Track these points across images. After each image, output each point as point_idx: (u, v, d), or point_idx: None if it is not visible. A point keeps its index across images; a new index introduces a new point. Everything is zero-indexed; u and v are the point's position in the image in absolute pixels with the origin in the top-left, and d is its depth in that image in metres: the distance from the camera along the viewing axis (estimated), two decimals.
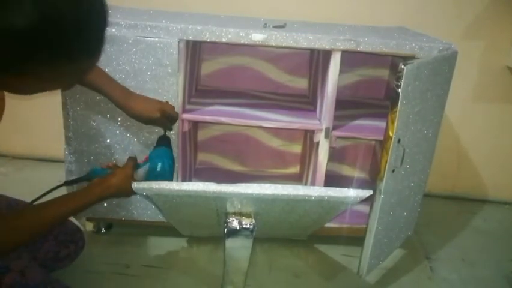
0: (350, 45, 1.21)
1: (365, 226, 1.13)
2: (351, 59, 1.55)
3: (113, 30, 1.17)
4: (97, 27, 0.67)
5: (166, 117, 1.16)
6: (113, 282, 1.26)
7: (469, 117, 1.76)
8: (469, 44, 1.64)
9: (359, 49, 1.21)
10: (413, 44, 1.21)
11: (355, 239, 1.32)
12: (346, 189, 1.04)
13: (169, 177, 1.11)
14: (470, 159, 1.83)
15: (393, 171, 1.08)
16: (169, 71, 1.22)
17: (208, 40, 1.20)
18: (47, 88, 0.71)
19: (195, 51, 1.43)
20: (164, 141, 1.18)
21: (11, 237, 0.83)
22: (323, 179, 1.37)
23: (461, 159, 1.83)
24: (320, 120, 1.36)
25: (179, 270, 1.33)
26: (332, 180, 1.40)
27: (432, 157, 1.30)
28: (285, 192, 1.00)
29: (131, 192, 1.03)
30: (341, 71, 1.26)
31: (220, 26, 1.20)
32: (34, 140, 1.91)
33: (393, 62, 1.61)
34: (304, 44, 1.20)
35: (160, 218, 1.33)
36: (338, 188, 1.04)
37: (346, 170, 1.78)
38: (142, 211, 1.37)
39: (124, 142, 1.30)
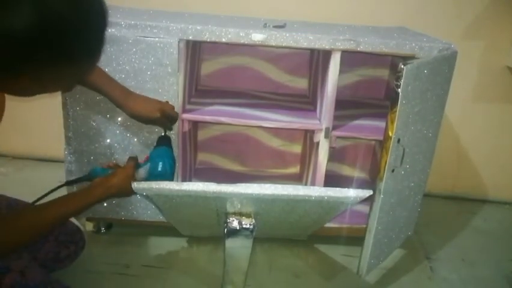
0: (350, 45, 1.21)
1: (364, 226, 1.13)
2: (351, 59, 1.55)
3: (113, 30, 1.17)
4: (96, 28, 0.66)
5: (166, 117, 1.16)
6: (113, 282, 1.26)
7: (469, 117, 1.76)
8: (469, 44, 1.64)
9: (359, 49, 1.21)
10: (413, 44, 1.21)
11: (355, 239, 1.32)
12: (346, 189, 1.04)
13: (170, 177, 1.11)
14: (470, 159, 1.83)
15: (393, 171, 1.08)
16: (169, 70, 1.22)
17: (208, 40, 1.20)
18: (48, 90, 0.70)
19: (194, 51, 1.43)
20: (164, 141, 1.18)
21: (12, 238, 0.83)
22: (323, 179, 1.37)
23: (461, 159, 1.83)
24: (320, 120, 1.36)
25: (179, 270, 1.33)
26: (332, 180, 1.40)
27: (432, 157, 1.30)
28: (285, 192, 1.00)
29: (132, 192, 1.03)
30: (341, 71, 1.26)
31: (220, 26, 1.20)
32: (34, 140, 1.91)
33: (393, 62, 1.61)
34: (304, 44, 1.20)
35: (160, 218, 1.33)
36: (338, 188, 1.04)
37: (346, 170, 1.78)
38: (142, 211, 1.37)
39: (124, 142, 1.30)
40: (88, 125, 1.28)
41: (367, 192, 1.05)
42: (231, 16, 1.51)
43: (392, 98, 1.02)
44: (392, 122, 1.02)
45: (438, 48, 1.21)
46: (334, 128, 1.33)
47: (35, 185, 1.05)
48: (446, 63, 1.17)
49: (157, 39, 1.19)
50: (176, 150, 1.29)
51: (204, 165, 1.77)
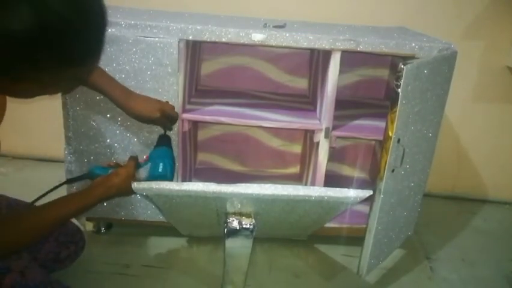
0: (350, 45, 1.21)
1: (364, 226, 1.13)
2: (351, 59, 1.55)
3: (113, 30, 1.17)
4: (96, 29, 0.66)
5: (166, 117, 1.16)
6: (113, 282, 1.26)
7: (469, 117, 1.76)
8: (469, 44, 1.64)
9: (358, 49, 1.21)
10: (413, 44, 1.21)
11: (355, 239, 1.32)
12: (346, 189, 1.04)
13: (170, 177, 1.11)
14: (470, 159, 1.83)
15: (393, 171, 1.08)
16: (169, 70, 1.22)
17: (208, 40, 1.20)
18: (48, 92, 0.70)
19: (194, 51, 1.43)
20: (164, 141, 1.18)
21: (13, 239, 0.83)
22: (323, 179, 1.37)
23: (461, 159, 1.83)
24: (319, 120, 1.36)
25: (179, 270, 1.33)
26: (332, 180, 1.40)
27: (432, 157, 1.30)
28: (285, 193, 1.00)
29: (132, 192, 1.03)
30: (341, 71, 1.26)
31: (220, 26, 1.20)
32: (34, 140, 1.91)
33: (393, 62, 1.61)
34: (304, 44, 1.20)
35: (160, 218, 1.33)
36: (338, 188, 1.04)
37: (346, 170, 1.78)
38: (142, 211, 1.37)
39: (124, 142, 1.30)
40: (88, 125, 1.27)
41: (367, 192, 1.05)
42: (231, 16, 1.51)
43: (392, 98, 1.02)
44: (392, 122, 1.02)
45: (438, 48, 1.21)
46: (334, 128, 1.33)
47: (35, 185, 1.04)
48: (446, 63, 1.17)
49: (157, 39, 1.19)
50: (176, 150, 1.29)
51: (204, 165, 1.77)
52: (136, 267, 1.32)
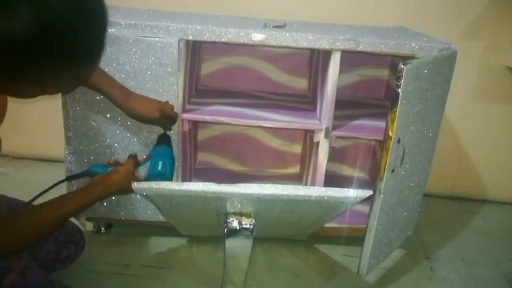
0: (349, 45, 1.21)
1: (365, 226, 1.13)
2: (351, 59, 1.55)
3: (113, 30, 1.17)
4: (97, 29, 0.66)
5: (166, 118, 1.16)
6: (113, 282, 1.26)
7: (469, 117, 1.76)
8: (469, 44, 1.64)
9: (358, 49, 1.21)
10: (413, 44, 1.21)
11: (355, 239, 1.32)
12: (346, 189, 1.04)
13: (170, 176, 1.11)
14: (470, 159, 1.83)
15: (393, 171, 1.08)
16: (169, 70, 1.22)
17: (208, 40, 1.20)
18: (48, 92, 0.70)
19: (194, 51, 1.43)
20: (164, 140, 1.18)
21: (12, 239, 0.83)
22: (323, 179, 1.37)
23: (461, 159, 1.83)
24: (319, 120, 1.36)
25: (179, 270, 1.33)
26: (332, 180, 1.40)
27: (432, 157, 1.30)
28: (285, 193, 1.00)
29: (132, 190, 1.03)
30: (341, 71, 1.26)
31: (220, 26, 1.20)
32: (34, 140, 1.91)
33: (393, 62, 1.61)
34: (304, 44, 1.20)
35: (160, 218, 1.33)
36: (337, 188, 1.04)
37: (346, 170, 1.78)
38: (142, 211, 1.37)
39: (124, 142, 1.30)
40: (88, 125, 1.28)
41: (367, 192, 1.05)
42: (231, 16, 1.51)
43: (392, 98, 1.02)
44: (392, 122, 1.02)
45: (438, 48, 1.21)
46: (334, 128, 1.33)
47: (35, 185, 1.04)
48: (446, 63, 1.17)
49: (157, 39, 1.19)
50: (176, 150, 1.29)
51: (204, 165, 1.77)
52: (136, 267, 1.32)
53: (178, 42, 1.20)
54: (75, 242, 1.18)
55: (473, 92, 1.72)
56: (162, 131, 1.20)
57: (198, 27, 1.18)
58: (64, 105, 1.26)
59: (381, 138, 1.16)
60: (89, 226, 1.44)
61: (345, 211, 1.33)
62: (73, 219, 1.18)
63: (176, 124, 1.25)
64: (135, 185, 1.01)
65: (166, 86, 1.24)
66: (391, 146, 1.03)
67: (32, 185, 1.10)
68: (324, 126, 1.31)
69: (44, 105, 1.76)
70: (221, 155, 1.76)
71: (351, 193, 1.03)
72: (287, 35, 1.19)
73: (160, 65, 1.21)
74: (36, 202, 0.96)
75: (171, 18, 1.29)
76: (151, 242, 1.44)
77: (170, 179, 1.11)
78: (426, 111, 1.14)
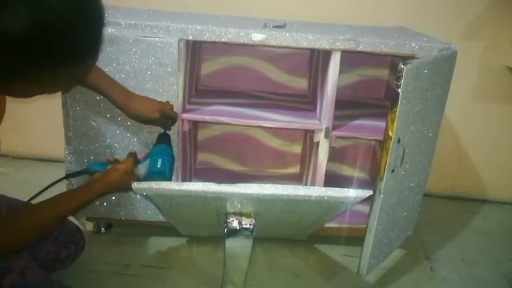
0: (349, 45, 1.21)
1: (365, 226, 1.13)
2: (351, 59, 1.55)
3: (113, 30, 1.17)
4: (95, 28, 0.66)
5: (166, 118, 1.16)
6: (113, 282, 1.26)
7: (469, 117, 1.76)
8: (469, 44, 1.64)
9: (358, 49, 1.21)
10: (413, 44, 1.21)
11: (355, 239, 1.32)
12: (346, 189, 1.04)
13: (169, 174, 1.11)
14: (470, 159, 1.83)
15: (393, 171, 1.08)
16: (169, 70, 1.22)
17: (208, 40, 1.20)
18: (46, 91, 0.70)
19: (194, 51, 1.43)
20: (164, 139, 1.18)
21: (12, 239, 0.83)
22: (323, 179, 1.37)
23: (461, 159, 1.83)
24: (319, 120, 1.36)
25: (179, 270, 1.33)
26: (332, 180, 1.40)
27: (432, 157, 1.30)
28: (285, 193, 1.00)
29: (131, 188, 1.03)
30: (341, 71, 1.26)
31: (220, 26, 1.20)
32: (34, 140, 1.91)
33: (393, 62, 1.61)
34: (304, 44, 1.20)
35: (160, 218, 1.33)
36: (337, 188, 1.04)
37: (346, 170, 1.78)
38: (142, 211, 1.37)
39: (124, 142, 1.30)
40: (88, 125, 1.28)
41: (367, 192, 1.05)
42: (231, 16, 1.51)
43: (392, 98, 1.02)
44: (392, 122, 1.02)
45: (438, 48, 1.21)
46: (334, 128, 1.33)
47: (34, 185, 1.04)
48: (446, 63, 1.17)
49: (157, 39, 1.19)
50: (176, 150, 1.29)
51: (204, 165, 1.77)
52: (136, 267, 1.32)
53: (178, 42, 1.20)
54: (75, 242, 1.18)
55: (473, 92, 1.72)
56: (162, 131, 1.20)
57: (198, 27, 1.18)
58: (64, 105, 1.26)
59: (381, 138, 1.16)
60: (89, 226, 1.44)
61: (345, 211, 1.33)
62: (73, 219, 1.18)
63: (176, 124, 1.25)
64: (135, 185, 1.01)
65: (166, 86, 1.24)
66: (391, 146, 1.03)
67: (32, 185, 1.10)
68: (324, 126, 1.31)
69: (43, 105, 1.76)
70: (221, 155, 1.76)
71: (351, 193, 1.03)
72: (287, 35, 1.19)
73: (160, 65, 1.21)
74: (35, 200, 0.96)
75: (171, 18, 1.29)
76: (151, 242, 1.44)
77: (170, 177, 1.11)
78: (426, 111, 1.15)
